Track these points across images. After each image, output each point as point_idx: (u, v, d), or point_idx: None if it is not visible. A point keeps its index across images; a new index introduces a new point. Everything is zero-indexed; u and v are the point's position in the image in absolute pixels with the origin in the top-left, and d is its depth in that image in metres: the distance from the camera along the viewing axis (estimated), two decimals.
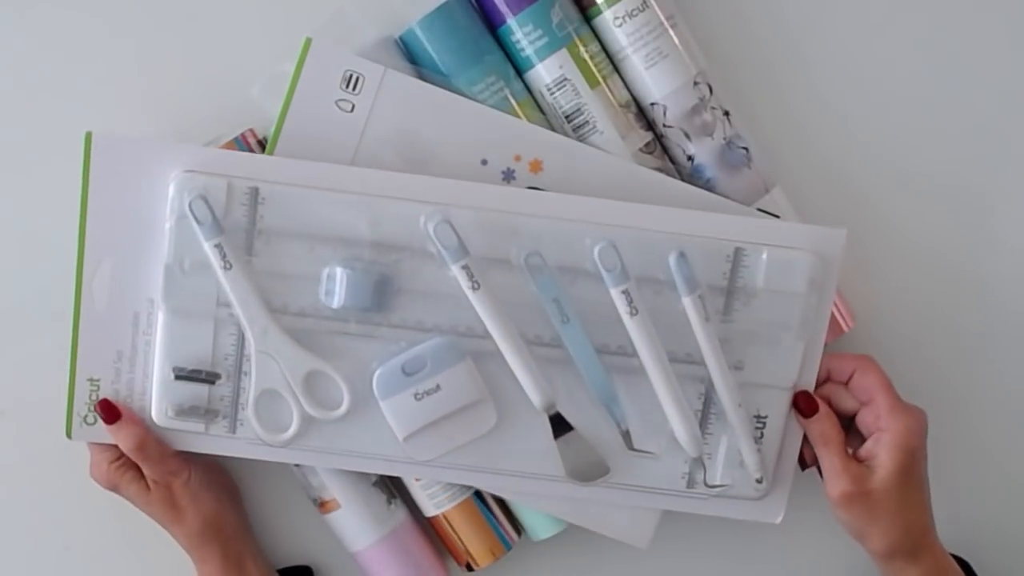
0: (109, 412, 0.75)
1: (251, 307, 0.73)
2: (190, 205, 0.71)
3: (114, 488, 0.77)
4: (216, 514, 0.77)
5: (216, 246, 0.72)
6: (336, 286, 0.73)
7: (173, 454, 0.76)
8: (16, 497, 0.82)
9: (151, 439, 0.75)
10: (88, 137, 0.72)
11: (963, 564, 0.79)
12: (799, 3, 0.82)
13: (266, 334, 0.73)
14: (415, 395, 0.74)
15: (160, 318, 0.74)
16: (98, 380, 0.74)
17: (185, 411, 0.74)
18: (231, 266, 0.72)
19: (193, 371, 0.74)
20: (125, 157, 0.72)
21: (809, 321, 0.76)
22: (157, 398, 0.74)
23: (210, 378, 0.74)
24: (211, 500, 0.77)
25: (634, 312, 0.74)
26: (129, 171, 0.72)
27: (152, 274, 0.73)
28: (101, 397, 0.75)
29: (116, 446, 0.75)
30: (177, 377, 0.74)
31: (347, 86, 0.74)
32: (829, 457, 0.75)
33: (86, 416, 0.75)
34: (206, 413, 0.75)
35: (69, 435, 0.75)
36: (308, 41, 0.73)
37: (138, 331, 0.74)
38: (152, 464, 0.75)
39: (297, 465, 0.79)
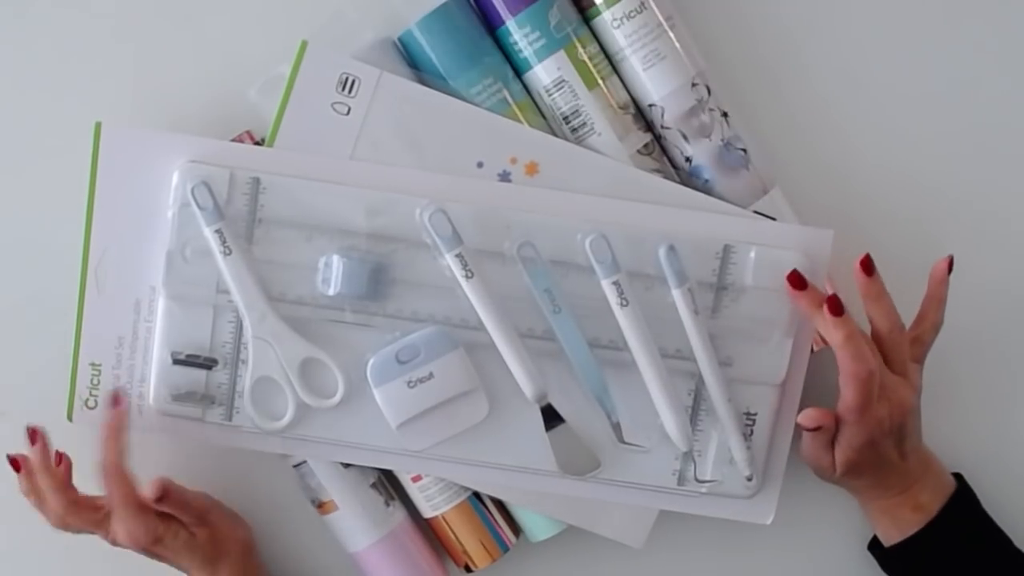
0: (158, 491, 0.80)
1: (249, 293, 0.80)
2: (193, 191, 0.79)
3: (158, 541, 0.80)
4: (250, 537, 0.85)
5: (217, 232, 0.80)
6: (332, 273, 0.81)
7: (194, 491, 0.83)
8: (16, 497, 0.85)
9: (173, 483, 0.81)
10: (97, 127, 0.80)
11: (957, 478, 0.86)
12: (798, 4, 0.88)
13: (263, 320, 0.81)
14: (408, 383, 0.81)
15: (160, 304, 0.81)
16: (100, 365, 0.82)
17: (182, 396, 0.82)
18: (231, 252, 0.80)
19: (191, 356, 0.82)
20: (132, 147, 0.80)
21: (797, 319, 0.83)
22: (155, 382, 0.82)
23: (207, 363, 0.82)
24: (242, 523, 0.85)
25: (624, 303, 0.81)
26: (135, 161, 0.80)
27: (154, 262, 0.80)
28: (158, 485, 0.79)
29: (150, 510, 0.80)
30: (175, 361, 0.82)
31: (343, 89, 0.81)
32: (813, 444, 0.82)
33: (87, 400, 0.82)
34: (203, 399, 0.82)
35: (70, 418, 0.82)
36: (304, 44, 0.80)
37: (139, 317, 0.82)
38: (183, 503, 0.81)
39: (296, 466, 0.86)
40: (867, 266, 0.81)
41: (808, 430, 0.81)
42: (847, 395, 0.79)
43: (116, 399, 0.81)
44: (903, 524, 0.84)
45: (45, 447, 0.81)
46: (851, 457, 0.81)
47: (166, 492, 0.79)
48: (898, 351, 0.82)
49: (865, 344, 0.79)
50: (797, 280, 0.81)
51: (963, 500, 0.84)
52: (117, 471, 0.80)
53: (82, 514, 0.81)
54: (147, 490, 0.79)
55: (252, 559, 0.85)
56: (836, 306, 0.79)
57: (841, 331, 0.79)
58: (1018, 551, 0.85)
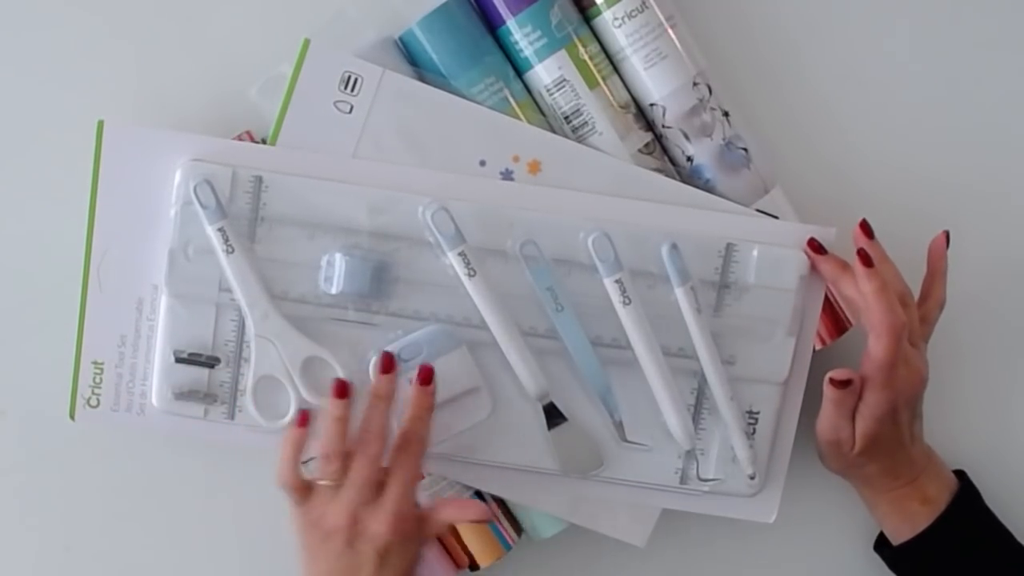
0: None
1: (252, 291, 0.81)
2: (195, 189, 0.80)
3: (411, 538, 0.77)
4: None
5: (219, 230, 0.80)
6: (335, 272, 0.81)
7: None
8: (16, 497, 0.88)
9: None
10: (100, 126, 0.81)
11: (960, 475, 0.86)
12: (799, 3, 0.89)
13: (266, 319, 0.81)
14: (411, 381, 0.82)
15: (163, 302, 0.82)
16: (102, 363, 0.83)
17: (184, 394, 0.82)
18: (233, 250, 0.80)
19: (193, 355, 0.82)
20: (134, 146, 0.81)
21: (799, 317, 0.83)
22: (158, 381, 0.82)
23: (210, 362, 0.82)
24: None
25: (627, 302, 0.82)
26: (138, 159, 0.81)
27: (156, 260, 0.81)
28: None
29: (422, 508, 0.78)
30: (177, 360, 0.82)
31: (345, 87, 0.82)
32: (836, 413, 0.82)
33: (89, 399, 0.83)
34: (205, 397, 0.82)
35: (72, 416, 0.83)
36: (306, 42, 0.81)
37: (142, 316, 0.82)
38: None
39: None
40: (867, 229, 0.82)
41: (838, 386, 0.80)
42: (877, 349, 0.79)
43: (427, 374, 0.78)
44: (913, 518, 0.84)
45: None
46: (872, 428, 0.81)
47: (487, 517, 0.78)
48: (911, 319, 0.82)
49: (895, 298, 0.79)
50: (818, 245, 0.82)
51: (969, 494, 0.85)
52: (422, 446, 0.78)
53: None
54: (477, 509, 0.78)
55: None
56: (867, 258, 0.80)
57: (874, 282, 0.79)
58: (1020, 545, 0.85)
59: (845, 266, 0.82)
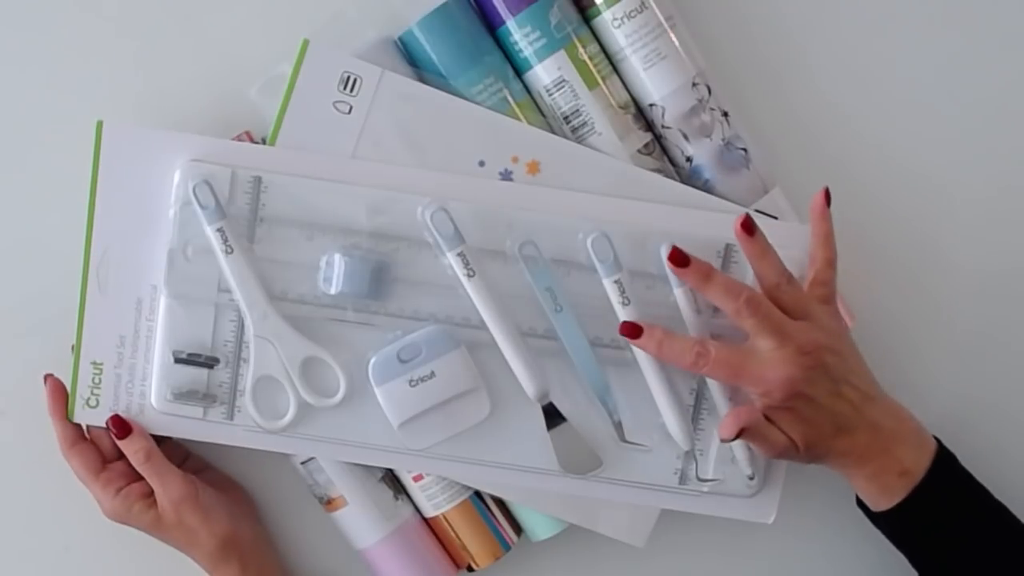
0: (121, 427, 0.82)
1: (251, 292, 0.81)
2: (194, 189, 0.80)
3: (125, 520, 0.83)
4: (231, 531, 0.83)
5: (218, 230, 0.80)
6: (334, 272, 0.81)
7: (181, 473, 0.82)
8: (16, 497, 0.88)
9: (159, 452, 0.82)
10: (99, 126, 0.81)
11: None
12: (799, 3, 0.89)
13: (265, 319, 0.81)
14: (410, 382, 0.82)
15: (162, 303, 0.82)
16: (101, 364, 0.83)
17: (184, 395, 0.82)
18: (232, 251, 0.80)
19: (192, 355, 0.82)
20: (134, 146, 0.81)
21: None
22: (157, 381, 0.82)
23: (209, 362, 0.82)
24: (224, 517, 0.83)
25: (626, 302, 0.82)
26: (137, 159, 0.81)
27: (156, 260, 0.81)
28: (112, 413, 0.82)
29: (117, 478, 0.83)
30: (176, 360, 0.82)
31: (344, 87, 0.82)
32: (759, 441, 0.79)
33: (88, 399, 0.83)
34: (204, 397, 0.82)
35: (72, 416, 0.83)
36: (306, 43, 0.81)
37: (141, 316, 0.82)
38: (161, 477, 0.82)
39: (303, 463, 0.86)
40: (748, 226, 0.79)
41: (735, 439, 0.78)
42: (750, 328, 0.78)
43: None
44: (890, 491, 0.81)
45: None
46: (797, 420, 0.78)
47: (148, 454, 0.81)
48: (792, 298, 0.80)
49: (730, 279, 0.79)
50: (680, 257, 0.79)
51: (944, 461, 0.82)
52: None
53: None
54: (128, 447, 0.82)
55: (235, 556, 0.84)
56: (686, 272, 0.79)
57: (715, 287, 0.79)
58: (1001, 504, 0.82)
59: (709, 273, 0.79)
